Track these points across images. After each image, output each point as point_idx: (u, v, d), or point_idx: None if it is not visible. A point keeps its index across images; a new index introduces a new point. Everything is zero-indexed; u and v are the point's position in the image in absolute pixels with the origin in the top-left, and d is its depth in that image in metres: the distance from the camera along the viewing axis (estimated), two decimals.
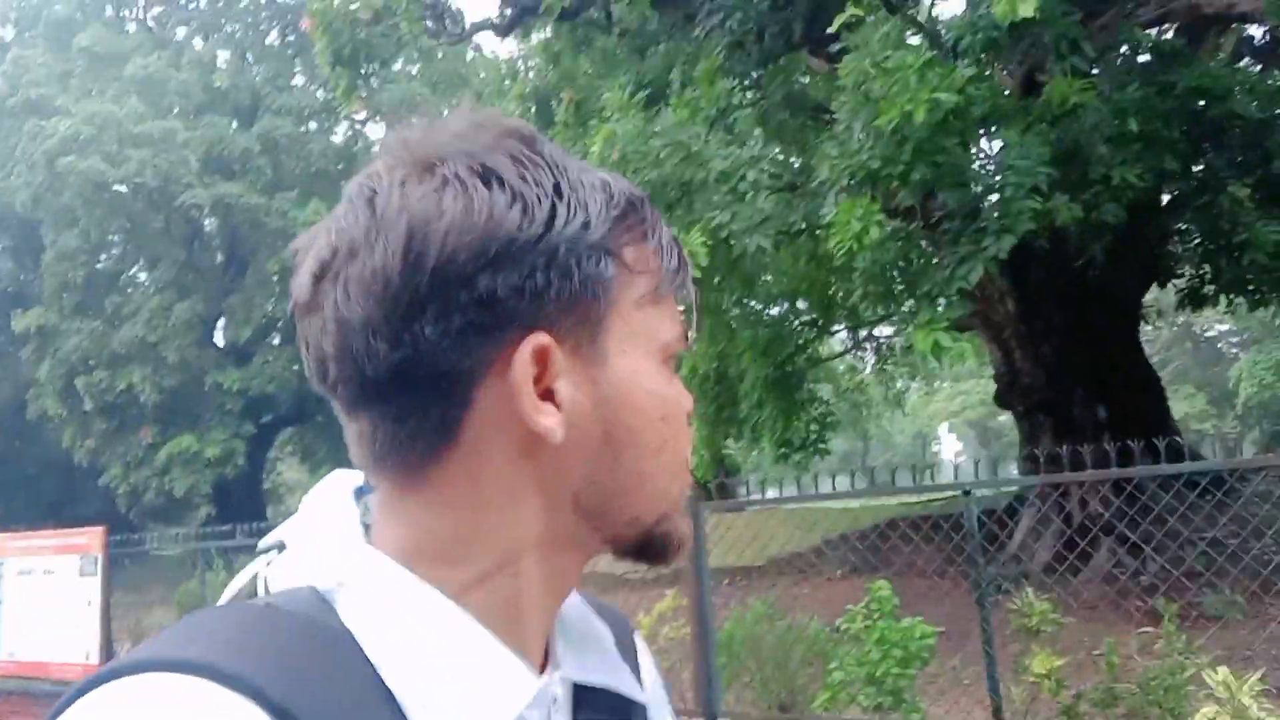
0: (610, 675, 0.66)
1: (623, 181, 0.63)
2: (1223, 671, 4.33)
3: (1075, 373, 10.26)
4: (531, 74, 11.54)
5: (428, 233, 0.56)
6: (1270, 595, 7.35)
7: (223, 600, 0.74)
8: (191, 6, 25.86)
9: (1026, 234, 6.35)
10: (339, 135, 25.67)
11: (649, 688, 0.73)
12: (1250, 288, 8.80)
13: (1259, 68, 9.97)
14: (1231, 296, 9.47)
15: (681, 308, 0.65)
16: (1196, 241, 8.33)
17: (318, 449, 28.30)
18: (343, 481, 0.76)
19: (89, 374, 21.51)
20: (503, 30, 10.24)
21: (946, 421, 49.50)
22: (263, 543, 0.76)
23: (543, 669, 0.63)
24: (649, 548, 0.62)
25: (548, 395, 0.58)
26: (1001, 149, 6.52)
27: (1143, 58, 8.21)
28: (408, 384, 0.57)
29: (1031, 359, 10.18)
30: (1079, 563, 9.39)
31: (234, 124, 22.89)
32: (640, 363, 0.61)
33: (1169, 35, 9.45)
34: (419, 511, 0.59)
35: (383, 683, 0.54)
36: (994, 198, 6.34)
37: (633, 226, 0.62)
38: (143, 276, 24.76)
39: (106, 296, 22.74)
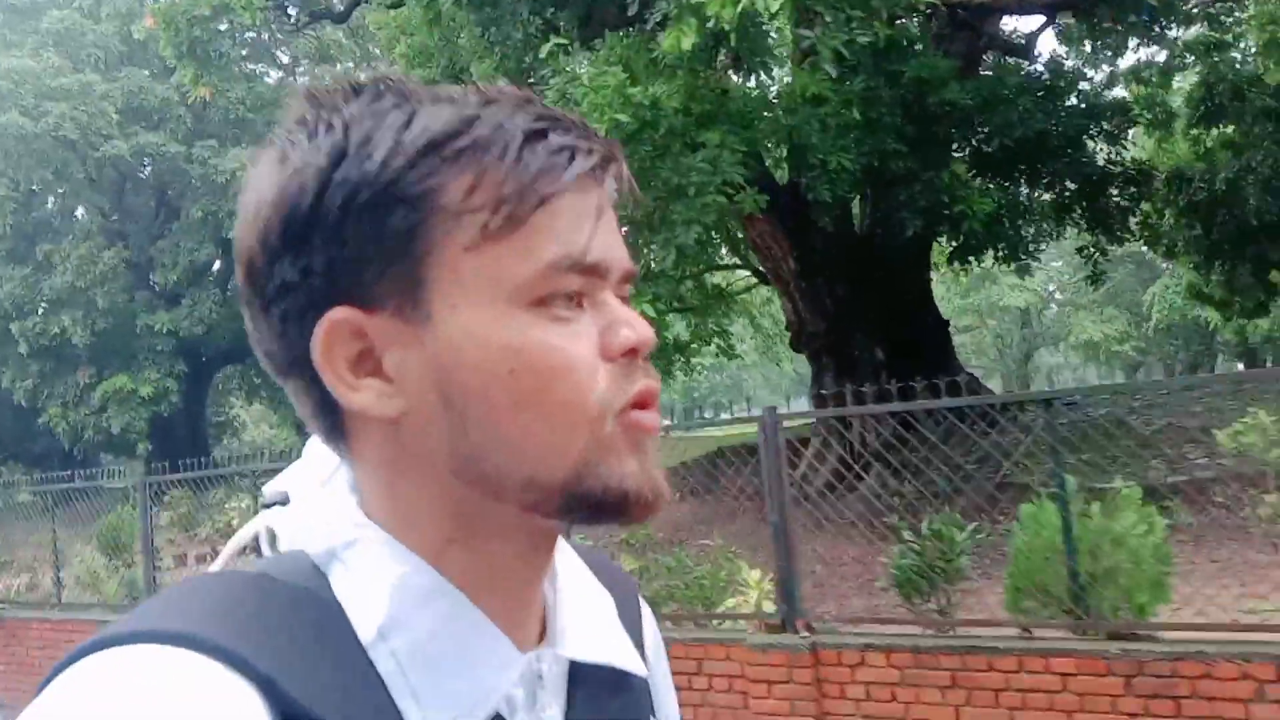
0: (608, 649, 0.64)
1: (456, 106, 0.56)
2: (755, 574, 5.92)
3: (857, 319, 11.78)
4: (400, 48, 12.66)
5: (242, 226, 0.57)
6: (995, 512, 8.89)
7: (224, 554, 0.74)
8: None
9: (714, 224, 7.76)
10: (267, 83, 26.44)
11: (650, 652, 0.72)
12: (973, 245, 10.26)
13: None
14: (989, 253, 10.95)
15: (576, 218, 0.56)
16: (924, 208, 9.75)
17: (261, 387, 29.86)
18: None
19: (23, 320, 22.83)
20: (340, 17, 11.39)
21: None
22: (267, 493, 0.71)
23: (540, 642, 0.61)
24: (588, 508, 0.56)
25: (377, 368, 0.55)
26: (699, 149, 7.88)
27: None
28: (278, 371, 0.58)
29: (813, 308, 11.69)
30: (857, 485, 11.02)
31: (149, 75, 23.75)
32: (478, 313, 0.54)
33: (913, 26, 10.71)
34: (362, 481, 0.60)
35: (371, 663, 0.54)
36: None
37: (451, 158, 0.54)
38: (72, 224, 25.86)
39: (37, 244, 23.90)
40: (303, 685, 0.50)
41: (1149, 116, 20.21)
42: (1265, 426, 5.32)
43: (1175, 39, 17.67)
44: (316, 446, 0.71)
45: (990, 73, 11.91)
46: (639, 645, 0.69)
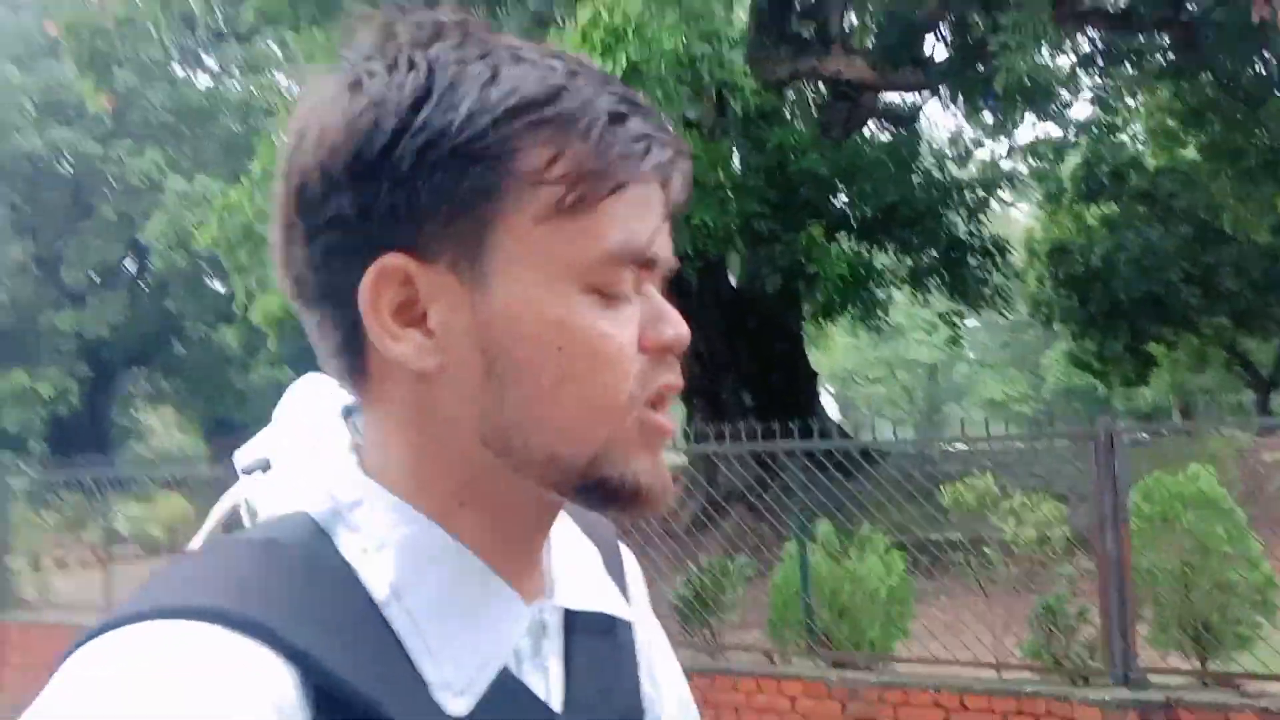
0: (598, 597, 0.66)
1: (543, 71, 0.55)
2: None
3: (728, 368, 12.43)
4: None
5: (296, 153, 0.56)
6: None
7: (205, 527, 0.70)
8: None
9: None
10: (197, 88, 26.45)
11: (635, 599, 0.74)
12: (830, 305, 10.99)
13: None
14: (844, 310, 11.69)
15: (642, 210, 0.56)
16: (784, 267, 10.45)
17: (168, 390, 29.63)
18: (324, 392, 0.65)
19: None
20: (242, 38, 11.77)
21: None
22: (243, 461, 0.66)
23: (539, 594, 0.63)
24: (601, 493, 0.58)
25: (419, 320, 0.55)
26: None
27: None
28: (305, 300, 0.58)
29: (688, 354, 12.27)
30: (720, 520, 11.59)
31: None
32: (536, 286, 0.55)
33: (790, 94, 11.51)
34: (375, 430, 0.59)
35: (386, 622, 0.54)
36: None
37: (537, 125, 0.54)
38: None
39: None
40: (328, 652, 0.50)
41: (1040, 190, 21.43)
42: (984, 489, 5.97)
43: (1069, 119, 18.90)
44: (290, 408, 0.69)
45: (862, 140, 12.77)
46: (623, 590, 0.71)
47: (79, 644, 0.49)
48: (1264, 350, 26.06)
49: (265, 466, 0.67)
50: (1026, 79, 8.04)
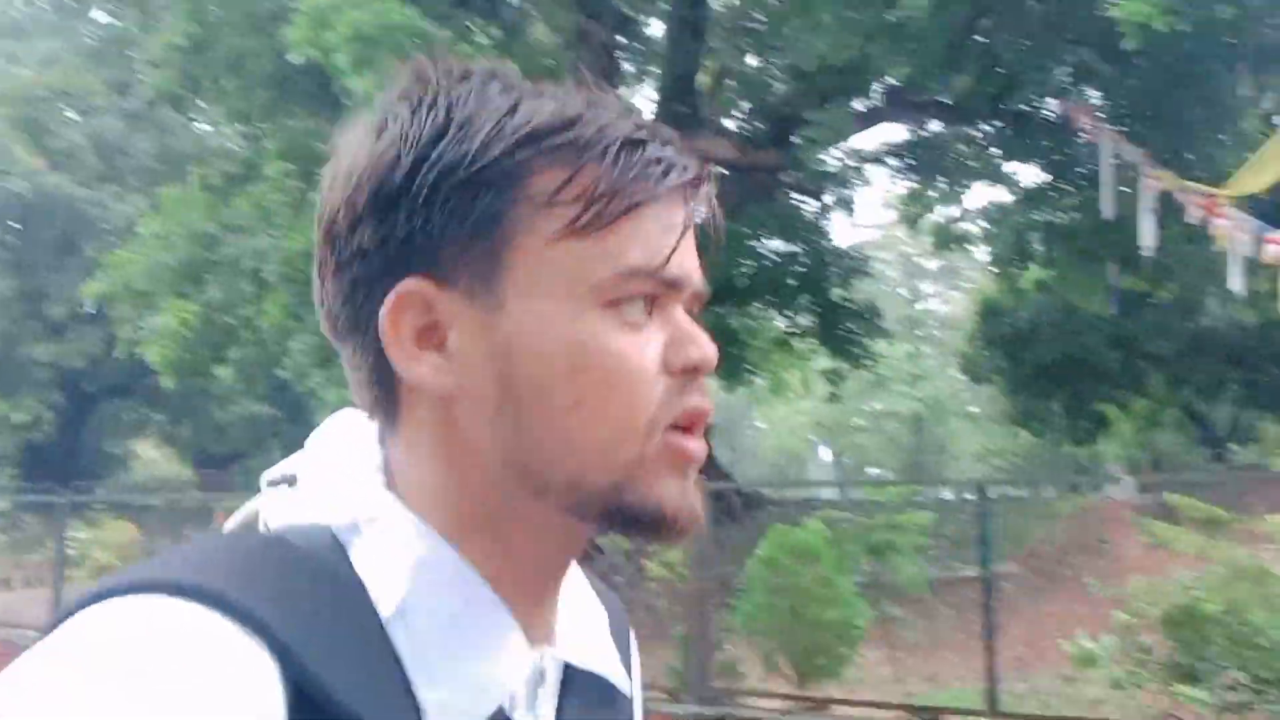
0: (601, 661, 0.65)
1: (561, 103, 0.58)
2: None
3: None
4: None
5: (328, 193, 0.60)
6: None
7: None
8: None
9: None
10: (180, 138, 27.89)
11: (635, 680, 0.73)
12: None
13: None
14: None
15: (661, 230, 0.58)
16: None
17: (149, 422, 30.87)
18: (361, 421, 0.65)
19: None
20: (176, 103, 12.94)
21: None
22: (269, 475, 0.66)
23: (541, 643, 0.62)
24: (625, 520, 0.58)
25: (440, 344, 0.57)
26: None
27: None
28: (337, 334, 0.61)
29: None
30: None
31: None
32: (551, 306, 0.56)
33: None
34: (401, 457, 0.60)
35: (388, 639, 0.54)
36: None
37: (550, 151, 0.57)
38: None
39: None
40: (319, 655, 0.50)
41: (989, 252, 22.25)
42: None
43: (1017, 182, 19.72)
44: (321, 436, 0.67)
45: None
46: (626, 661, 0.70)
47: (75, 609, 0.49)
48: (1222, 410, 26.63)
49: (291, 481, 0.66)
50: (827, 169, 9.02)
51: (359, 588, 0.55)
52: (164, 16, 10.81)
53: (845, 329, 13.84)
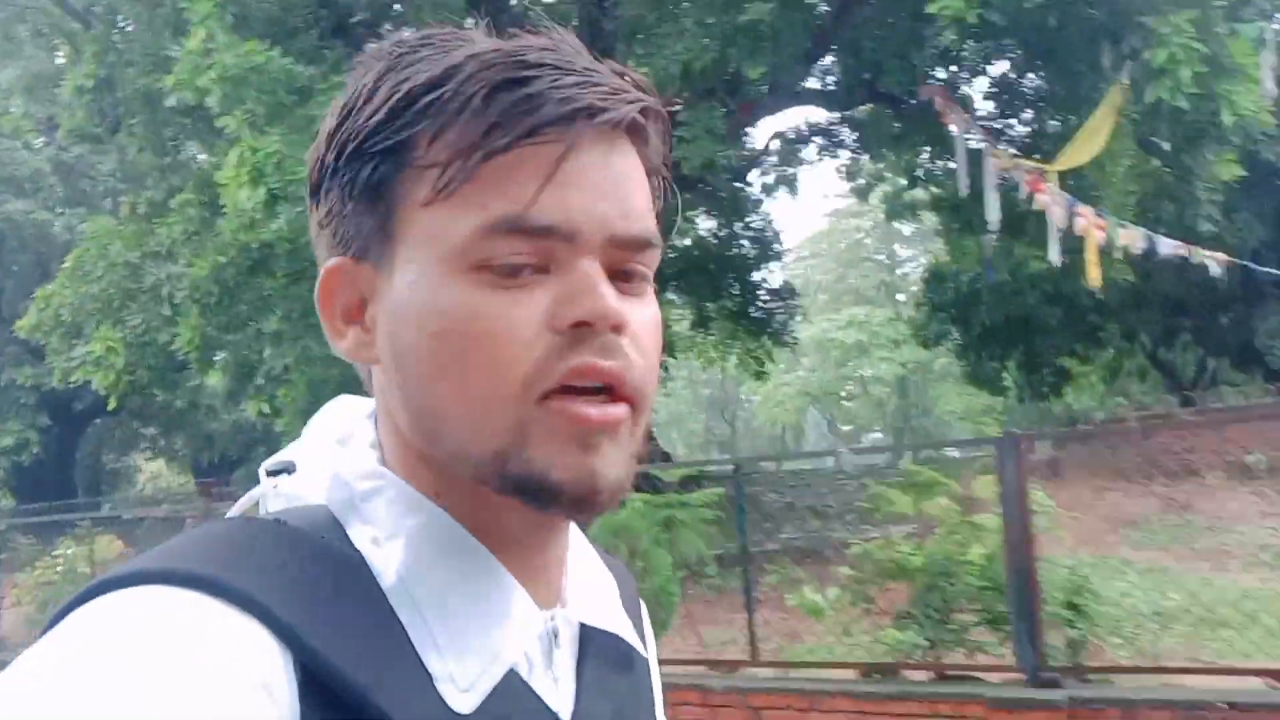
0: (613, 620, 0.65)
1: (452, 60, 0.55)
2: None
3: None
4: None
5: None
6: None
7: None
8: None
9: None
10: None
11: (648, 647, 0.74)
12: None
13: None
14: None
15: (535, 174, 0.53)
16: None
17: (140, 437, 31.64)
18: (354, 405, 0.66)
19: None
20: (96, 139, 13.46)
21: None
22: (268, 464, 0.66)
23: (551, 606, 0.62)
24: (520, 491, 0.55)
25: (361, 317, 0.59)
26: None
27: None
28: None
29: None
30: None
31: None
32: (417, 273, 0.55)
33: None
34: (386, 432, 0.61)
35: (393, 612, 0.54)
36: None
37: (423, 112, 0.55)
38: None
39: None
40: (324, 635, 0.50)
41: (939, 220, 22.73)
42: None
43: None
44: (316, 424, 0.68)
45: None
46: (639, 631, 0.70)
47: (76, 603, 0.49)
48: (1189, 357, 27.11)
49: (290, 469, 0.66)
50: (704, 165, 9.60)
51: (359, 563, 0.55)
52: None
53: (763, 309, 14.44)
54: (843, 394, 45.45)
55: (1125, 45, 8.28)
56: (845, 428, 51.22)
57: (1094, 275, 8.28)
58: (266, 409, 10.15)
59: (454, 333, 0.54)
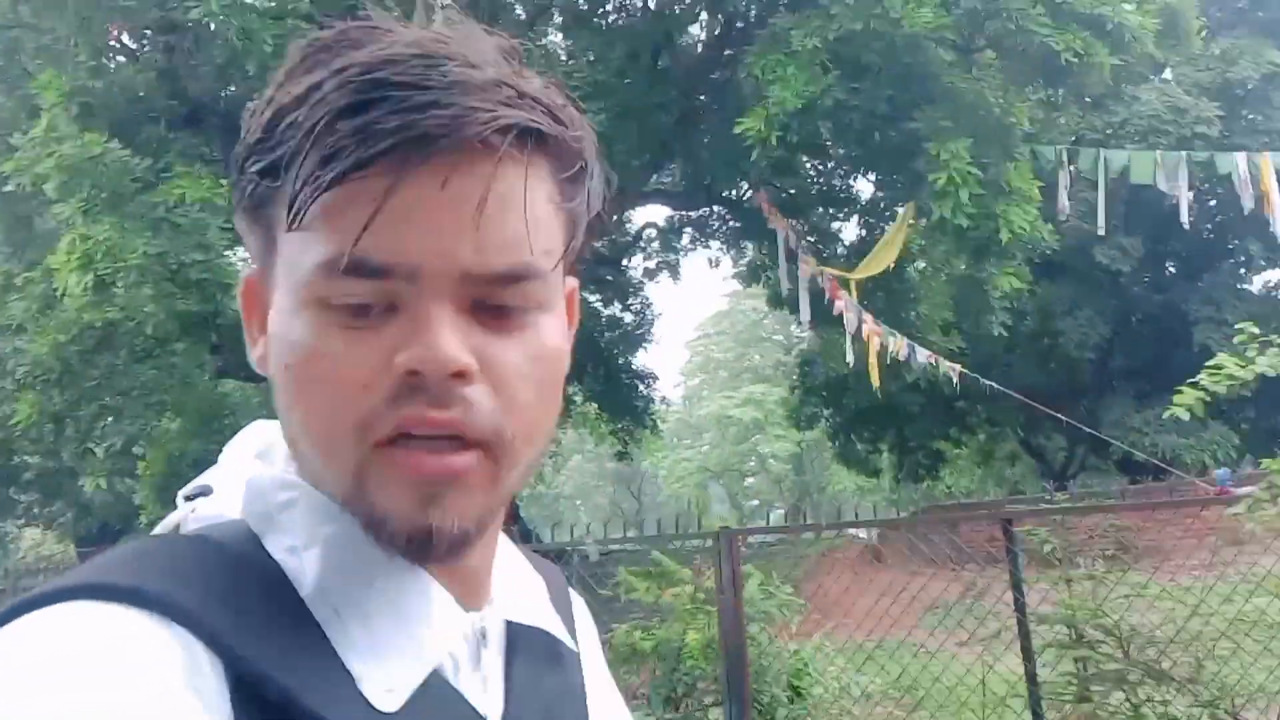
0: (542, 616, 0.66)
1: (318, 75, 0.52)
2: None
3: None
4: None
5: None
6: None
7: None
8: None
9: None
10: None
11: (583, 639, 0.74)
12: None
13: None
14: None
15: (359, 217, 0.51)
16: None
17: (16, 504, 30.58)
18: (273, 424, 0.64)
19: None
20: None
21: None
22: (185, 490, 0.65)
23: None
24: (367, 530, 0.55)
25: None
26: None
27: None
28: None
29: None
30: None
31: None
32: (281, 299, 0.55)
33: None
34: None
35: (312, 618, 0.54)
36: None
37: (284, 136, 0.52)
38: None
39: None
40: (249, 641, 0.50)
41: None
42: None
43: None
44: (232, 448, 0.67)
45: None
46: (569, 627, 0.71)
47: (1, 621, 0.48)
48: (1057, 443, 28.41)
49: (207, 493, 0.65)
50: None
51: (278, 573, 0.55)
52: None
53: (627, 393, 14.98)
54: (744, 470, 46.23)
55: (917, 165, 9.09)
56: (752, 503, 52.01)
57: (874, 376, 8.97)
58: (103, 484, 10.22)
59: (298, 368, 0.53)
